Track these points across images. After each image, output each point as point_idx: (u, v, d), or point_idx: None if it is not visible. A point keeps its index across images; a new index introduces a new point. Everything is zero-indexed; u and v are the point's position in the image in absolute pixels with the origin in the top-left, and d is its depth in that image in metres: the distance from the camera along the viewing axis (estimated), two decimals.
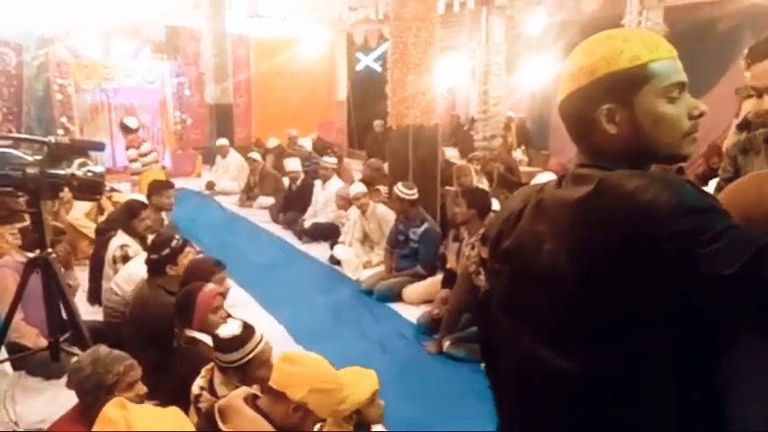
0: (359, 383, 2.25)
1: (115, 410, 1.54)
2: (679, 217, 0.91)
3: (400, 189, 5.01)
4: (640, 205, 0.92)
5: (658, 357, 0.99)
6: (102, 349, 2.11)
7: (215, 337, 2.47)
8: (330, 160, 6.72)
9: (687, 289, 0.89)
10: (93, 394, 2.00)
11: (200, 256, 4.14)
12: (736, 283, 0.84)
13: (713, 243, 0.87)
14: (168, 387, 2.56)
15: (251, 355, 2.35)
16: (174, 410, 1.62)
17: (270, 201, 7.92)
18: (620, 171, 1.01)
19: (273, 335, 3.52)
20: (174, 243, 3.39)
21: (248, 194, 8.36)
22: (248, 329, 2.48)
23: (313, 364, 2.04)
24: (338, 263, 5.60)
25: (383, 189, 5.74)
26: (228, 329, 2.46)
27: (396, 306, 4.66)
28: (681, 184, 0.94)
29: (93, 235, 5.11)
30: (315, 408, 1.96)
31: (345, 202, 5.88)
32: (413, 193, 4.95)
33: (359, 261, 5.46)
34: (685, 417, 1.01)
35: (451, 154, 8.46)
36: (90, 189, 2.61)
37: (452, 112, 11.55)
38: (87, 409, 1.95)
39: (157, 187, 4.75)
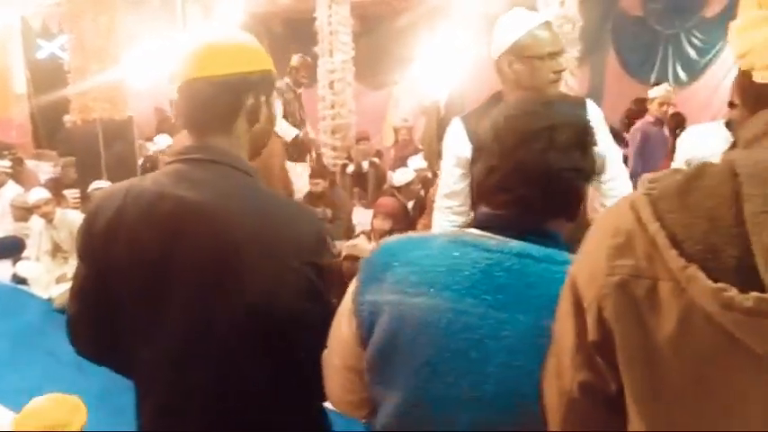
0: (72, 415, 1.99)
1: None
2: (321, 250, 1.12)
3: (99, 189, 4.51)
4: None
5: None
6: None
7: None
8: (2, 163, 5.77)
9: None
10: None
11: None
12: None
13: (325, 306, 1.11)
14: None
15: None
16: None
17: None
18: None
19: None
20: None
21: None
22: None
23: None
24: (24, 281, 4.85)
25: (72, 192, 5.13)
26: None
27: None
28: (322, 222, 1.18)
29: None
30: None
31: (23, 212, 5.10)
32: None
33: (50, 276, 4.80)
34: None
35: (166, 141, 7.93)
36: None
37: (157, 106, 10.85)
38: None
39: None
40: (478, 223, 1.01)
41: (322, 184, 5.31)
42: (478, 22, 7.58)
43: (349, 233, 5.23)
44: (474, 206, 1.53)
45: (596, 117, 2.03)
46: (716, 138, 2.14)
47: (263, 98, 1.16)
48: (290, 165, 5.79)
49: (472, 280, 0.93)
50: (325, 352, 1.10)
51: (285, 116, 5.80)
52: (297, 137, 5.74)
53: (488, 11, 7.43)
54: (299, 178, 5.71)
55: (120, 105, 5.00)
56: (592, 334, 0.73)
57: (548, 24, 1.97)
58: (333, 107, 7.73)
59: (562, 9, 5.74)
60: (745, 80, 0.75)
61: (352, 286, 1.04)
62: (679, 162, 2.27)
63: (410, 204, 5.26)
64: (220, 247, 1.05)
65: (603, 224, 0.76)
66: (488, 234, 0.98)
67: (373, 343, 0.98)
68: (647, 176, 0.74)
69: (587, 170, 0.97)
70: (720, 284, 0.62)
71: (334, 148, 7.75)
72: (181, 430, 1.14)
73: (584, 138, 0.97)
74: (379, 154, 7.94)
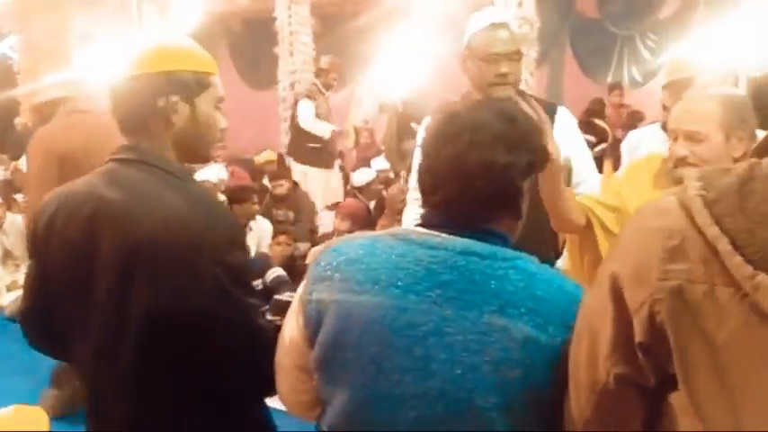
0: (38, 426, 1.94)
1: None
2: (232, 251, 1.12)
3: None
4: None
5: None
6: None
7: None
8: None
9: None
10: None
11: None
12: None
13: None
14: None
15: None
16: None
17: None
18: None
19: None
20: None
21: None
22: None
23: None
24: None
25: (21, 197, 4.96)
26: None
27: None
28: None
29: None
30: None
31: None
32: None
33: (0, 284, 4.65)
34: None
35: None
36: None
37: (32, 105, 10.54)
38: None
39: None
40: (423, 222, 1.03)
41: (285, 186, 5.26)
42: (438, 22, 7.61)
43: (312, 235, 5.19)
44: (377, 203, 1.58)
45: (566, 123, 2.02)
46: (654, 140, 2.21)
47: (175, 98, 1.16)
48: (313, 172, 5.74)
49: (416, 277, 0.94)
50: (277, 353, 1.11)
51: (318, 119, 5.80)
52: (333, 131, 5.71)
53: (447, 11, 7.47)
54: (327, 187, 5.59)
55: None
56: (640, 335, 0.72)
57: (500, 25, 1.91)
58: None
59: (520, 10, 5.80)
60: None
61: (301, 286, 1.06)
62: (625, 163, 2.33)
63: (372, 204, 5.26)
64: (133, 247, 1.08)
65: (647, 224, 0.75)
66: (433, 232, 1.00)
67: (320, 342, 0.99)
68: (692, 174, 0.73)
69: (519, 165, 0.97)
70: None
71: None
72: (104, 430, 1.18)
73: (512, 133, 0.98)
74: (341, 155, 7.91)
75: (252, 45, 8.97)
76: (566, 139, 1.97)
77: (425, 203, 1.04)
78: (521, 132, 0.99)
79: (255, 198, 4.70)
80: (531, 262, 0.98)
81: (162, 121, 1.17)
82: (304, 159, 5.86)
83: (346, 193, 5.76)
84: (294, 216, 5.22)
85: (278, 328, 1.11)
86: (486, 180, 0.96)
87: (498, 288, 0.92)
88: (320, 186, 5.71)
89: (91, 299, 1.13)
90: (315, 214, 5.47)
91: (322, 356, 0.99)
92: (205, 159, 1.30)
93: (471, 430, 0.91)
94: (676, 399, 0.73)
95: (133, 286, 1.08)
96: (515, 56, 1.90)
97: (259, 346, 1.14)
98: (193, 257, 1.08)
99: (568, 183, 2.05)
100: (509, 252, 0.97)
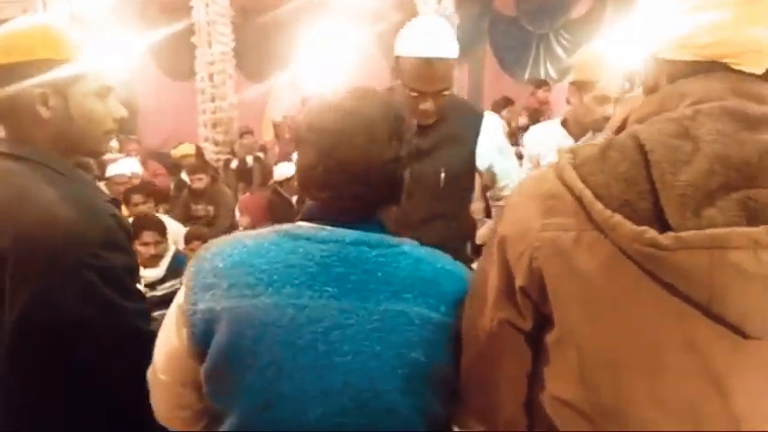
0: None
1: None
2: (101, 252, 1.04)
3: None
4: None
5: None
6: None
7: None
8: None
9: None
10: None
11: None
12: None
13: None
14: None
15: None
16: None
17: None
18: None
19: None
20: None
21: None
22: None
23: None
24: None
25: None
26: None
27: None
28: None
29: None
30: None
31: None
32: None
33: None
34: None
35: None
36: None
37: None
38: None
39: None
40: (308, 216, 1.01)
41: (204, 180, 5.11)
42: (358, 15, 7.61)
43: (231, 230, 5.08)
44: (300, 197, 1.48)
45: (493, 129, 1.99)
46: (554, 134, 2.32)
47: (41, 91, 1.09)
48: None
49: (310, 273, 0.94)
50: (150, 369, 1.05)
51: None
52: None
53: (369, 5, 7.48)
54: None
55: None
56: (520, 280, 0.85)
57: (432, 62, 1.72)
58: (213, 100, 7.49)
59: (439, 7, 5.88)
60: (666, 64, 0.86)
61: (180, 297, 0.99)
62: (527, 157, 2.42)
63: (293, 199, 5.20)
64: (5, 246, 1.03)
65: (529, 191, 0.88)
66: (319, 226, 0.99)
67: (212, 353, 0.94)
68: (563, 149, 0.86)
69: (405, 157, 1.00)
70: (643, 227, 0.75)
71: (216, 143, 7.51)
72: None
73: (399, 127, 0.99)
74: (263, 149, 7.78)
75: (169, 34, 8.66)
76: (492, 146, 1.97)
77: (311, 197, 1.02)
78: (406, 126, 1.01)
79: (142, 198, 4.21)
80: (416, 247, 1.01)
81: (30, 115, 1.09)
82: None
83: (269, 189, 5.66)
84: (214, 211, 5.09)
85: None
86: (381, 175, 0.97)
87: (390, 275, 0.95)
88: None
89: None
90: (234, 209, 5.36)
91: (215, 367, 0.94)
92: (95, 154, 1.22)
93: (376, 417, 0.92)
94: (551, 336, 0.87)
95: (5, 286, 1.03)
96: (443, 92, 1.79)
97: (140, 349, 1.08)
98: (59, 257, 1.02)
99: (492, 187, 2.11)
100: (393, 239, 0.99)
